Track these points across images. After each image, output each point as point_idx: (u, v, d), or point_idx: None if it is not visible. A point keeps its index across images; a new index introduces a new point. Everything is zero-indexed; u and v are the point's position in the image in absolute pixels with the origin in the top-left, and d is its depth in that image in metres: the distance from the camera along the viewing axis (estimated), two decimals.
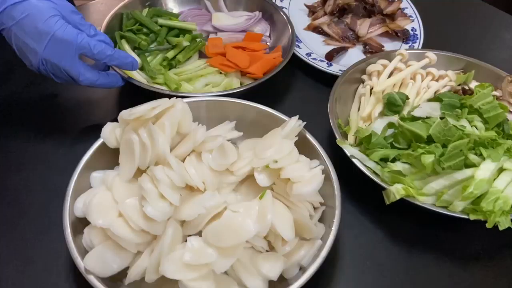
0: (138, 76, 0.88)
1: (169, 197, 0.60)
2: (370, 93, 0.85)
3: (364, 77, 0.89)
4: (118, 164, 0.68)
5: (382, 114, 0.79)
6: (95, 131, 0.69)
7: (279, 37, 1.00)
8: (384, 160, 0.71)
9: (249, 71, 0.91)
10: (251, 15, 1.04)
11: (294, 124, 0.71)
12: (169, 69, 0.93)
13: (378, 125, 0.76)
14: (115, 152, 0.68)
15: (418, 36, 1.05)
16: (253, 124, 0.77)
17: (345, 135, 0.79)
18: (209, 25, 1.02)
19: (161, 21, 0.97)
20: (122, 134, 0.67)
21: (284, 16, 0.99)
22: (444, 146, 0.67)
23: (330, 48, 1.04)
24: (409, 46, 1.03)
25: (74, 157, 0.69)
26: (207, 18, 1.04)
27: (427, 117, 0.72)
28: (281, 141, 0.68)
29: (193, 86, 0.89)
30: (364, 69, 0.89)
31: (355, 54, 1.04)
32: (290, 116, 0.73)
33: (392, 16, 1.10)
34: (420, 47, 1.03)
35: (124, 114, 0.66)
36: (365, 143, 0.72)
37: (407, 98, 0.79)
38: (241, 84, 0.92)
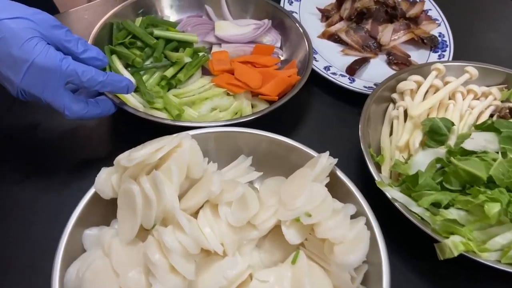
0: (133, 100, 0.76)
1: (182, 270, 0.49)
2: (404, 116, 0.74)
3: (395, 96, 0.78)
4: (115, 216, 0.57)
5: (422, 144, 0.68)
6: (86, 170, 0.59)
7: (293, 50, 0.87)
8: (433, 204, 0.60)
9: (261, 92, 0.78)
10: (260, 23, 0.91)
11: (325, 163, 0.59)
12: (168, 90, 0.81)
13: (421, 159, 0.64)
14: (112, 201, 0.57)
15: (448, 43, 0.93)
16: (270, 157, 0.67)
17: (377, 166, 0.68)
18: (212, 36, 0.90)
19: (157, 32, 0.84)
20: (120, 183, 0.56)
21: (300, 29, 0.86)
22: (508, 189, 0.56)
23: (349, 59, 0.92)
24: (438, 55, 0.92)
25: (62, 204, 0.60)
26: (210, 27, 0.91)
27: (482, 151, 0.61)
28: (311, 186, 0.57)
29: (198, 112, 0.77)
30: (393, 86, 0.78)
31: (377, 66, 0.92)
32: (309, 143, 0.64)
33: (415, 20, 0.98)
34: (451, 56, 0.91)
35: (122, 159, 0.55)
36: (410, 183, 0.60)
37: (452, 124, 0.67)
38: (252, 107, 0.79)
